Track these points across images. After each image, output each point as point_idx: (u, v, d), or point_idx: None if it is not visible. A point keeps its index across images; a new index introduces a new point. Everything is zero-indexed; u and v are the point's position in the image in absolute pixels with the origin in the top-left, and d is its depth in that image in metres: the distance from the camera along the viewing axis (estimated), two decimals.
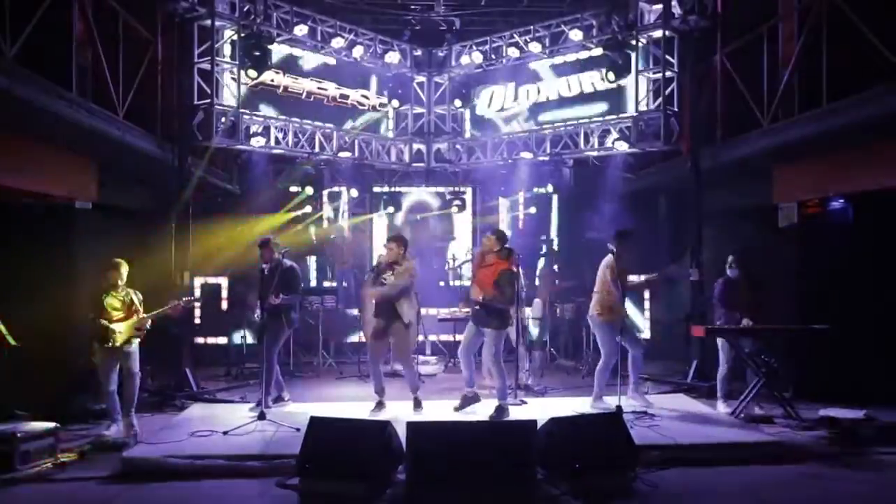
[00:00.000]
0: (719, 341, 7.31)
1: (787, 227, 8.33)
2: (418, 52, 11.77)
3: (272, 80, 10.08)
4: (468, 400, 7.11)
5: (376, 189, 12.43)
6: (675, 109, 9.49)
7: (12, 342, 5.74)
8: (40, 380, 6.71)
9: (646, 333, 10.75)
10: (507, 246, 7.11)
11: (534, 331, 10.18)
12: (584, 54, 10.59)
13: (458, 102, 11.61)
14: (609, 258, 7.22)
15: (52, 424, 5.71)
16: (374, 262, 7.78)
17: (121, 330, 6.21)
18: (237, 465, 5.44)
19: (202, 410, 7.29)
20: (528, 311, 9.34)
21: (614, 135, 10.12)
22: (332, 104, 10.94)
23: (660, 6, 9.36)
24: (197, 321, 9.83)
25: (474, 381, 7.20)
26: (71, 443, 6.03)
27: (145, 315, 6.36)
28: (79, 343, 6.94)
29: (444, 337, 10.65)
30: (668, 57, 9.48)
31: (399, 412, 6.83)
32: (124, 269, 6.40)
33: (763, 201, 8.63)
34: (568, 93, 10.87)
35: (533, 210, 12.41)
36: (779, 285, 8.19)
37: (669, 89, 9.50)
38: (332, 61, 10.85)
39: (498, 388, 6.91)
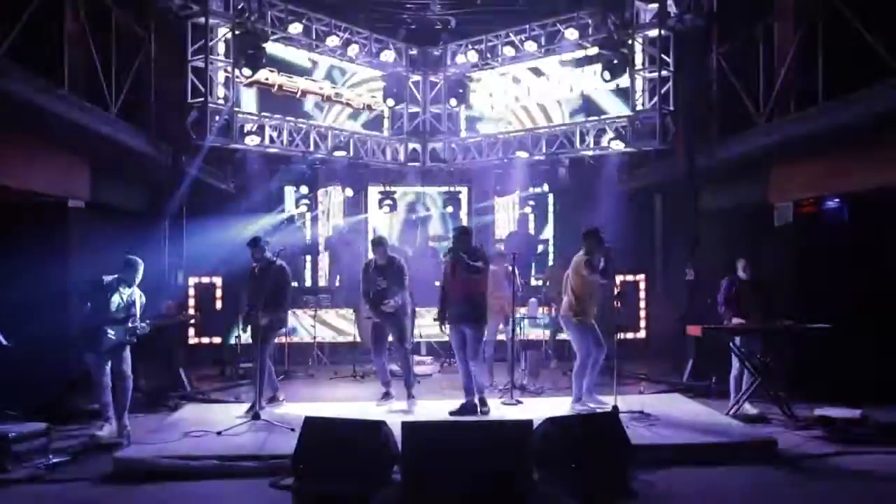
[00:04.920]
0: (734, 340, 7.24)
1: (782, 226, 8.33)
2: (414, 51, 11.74)
3: (266, 79, 10.04)
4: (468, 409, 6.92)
5: (371, 188, 12.40)
6: (671, 108, 9.50)
7: (3, 342, 5.69)
8: (33, 380, 6.66)
9: (641, 333, 10.74)
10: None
11: (529, 331, 10.15)
12: (579, 53, 10.58)
13: (453, 101, 11.57)
14: (581, 256, 7.11)
15: (44, 425, 5.66)
16: (364, 267, 7.71)
17: (116, 332, 6.15)
18: (231, 465, 5.40)
19: (196, 411, 7.24)
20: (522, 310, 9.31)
21: (610, 134, 10.12)
22: (326, 103, 10.91)
23: (655, 5, 9.37)
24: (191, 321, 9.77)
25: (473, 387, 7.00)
26: (63, 443, 5.98)
27: (142, 324, 6.27)
28: (71, 343, 6.89)
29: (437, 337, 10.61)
30: (663, 56, 9.48)
31: (394, 412, 6.81)
32: (140, 268, 6.32)
33: (759, 200, 8.63)
34: (564, 92, 10.85)
35: (528, 210, 12.40)
36: (774, 284, 8.18)
37: (665, 88, 9.49)
38: (327, 60, 10.81)
39: (477, 385, 6.90)
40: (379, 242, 7.59)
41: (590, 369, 7.11)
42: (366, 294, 7.51)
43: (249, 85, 9.72)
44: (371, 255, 7.71)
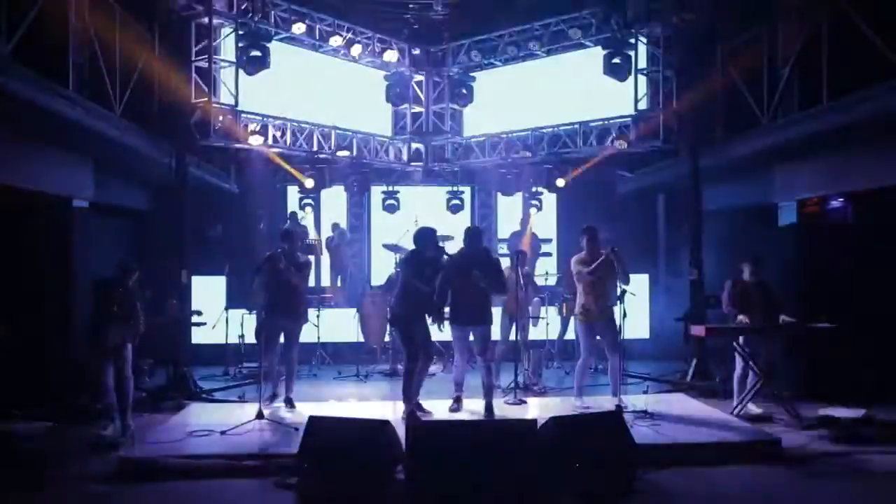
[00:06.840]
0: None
1: (786, 226, 8.31)
2: (416, 51, 11.75)
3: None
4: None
5: (374, 188, 12.40)
6: (675, 108, 9.48)
7: None
8: (37, 379, 6.68)
9: (644, 333, 10.72)
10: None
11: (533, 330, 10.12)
12: (583, 53, 10.57)
13: (456, 101, 11.59)
14: (576, 257, 7.15)
15: (48, 424, 5.67)
16: (406, 260, 7.02)
17: (117, 331, 6.16)
18: (235, 464, 5.40)
19: (200, 410, 7.24)
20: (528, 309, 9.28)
21: (613, 134, 10.11)
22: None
23: (659, 4, 9.34)
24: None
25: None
26: (67, 442, 5.98)
27: (142, 323, 6.28)
28: (75, 342, 6.90)
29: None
30: (667, 55, 9.46)
31: (398, 412, 6.81)
32: (134, 273, 6.37)
33: (762, 200, 8.62)
34: (568, 91, 10.85)
35: (533, 210, 12.39)
36: (778, 284, 8.17)
37: (669, 88, 9.48)
38: (329, 60, 10.82)
39: (487, 387, 6.93)
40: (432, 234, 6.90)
41: (582, 370, 7.21)
42: (412, 294, 6.69)
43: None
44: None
